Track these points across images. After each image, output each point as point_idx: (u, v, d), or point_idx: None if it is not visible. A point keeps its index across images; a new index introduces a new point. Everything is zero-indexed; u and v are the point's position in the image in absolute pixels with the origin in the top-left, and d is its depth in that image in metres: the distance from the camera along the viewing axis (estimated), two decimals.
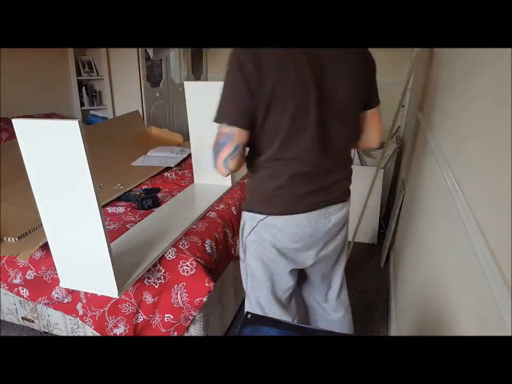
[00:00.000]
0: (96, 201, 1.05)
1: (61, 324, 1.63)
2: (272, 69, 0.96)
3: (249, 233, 1.16)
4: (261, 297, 1.22)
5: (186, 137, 2.35)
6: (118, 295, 1.19)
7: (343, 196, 1.17)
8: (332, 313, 1.38)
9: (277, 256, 1.15)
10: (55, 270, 1.27)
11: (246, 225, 1.17)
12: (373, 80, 1.13)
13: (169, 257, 1.39)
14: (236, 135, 0.98)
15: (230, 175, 1.89)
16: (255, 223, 1.13)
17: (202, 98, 1.82)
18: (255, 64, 0.95)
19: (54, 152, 1.03)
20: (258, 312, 1.23)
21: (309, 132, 1.02)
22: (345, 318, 1.39)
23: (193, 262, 1.38)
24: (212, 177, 1.98)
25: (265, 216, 1.11)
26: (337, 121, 1.06)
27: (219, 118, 0.99)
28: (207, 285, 1.36)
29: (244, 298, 1.24)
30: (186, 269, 1.37)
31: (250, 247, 1.18)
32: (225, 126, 0.99)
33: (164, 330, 1.41)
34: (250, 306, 1.26)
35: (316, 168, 1.07)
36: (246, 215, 1.17)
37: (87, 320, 1.44)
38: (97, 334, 1.47)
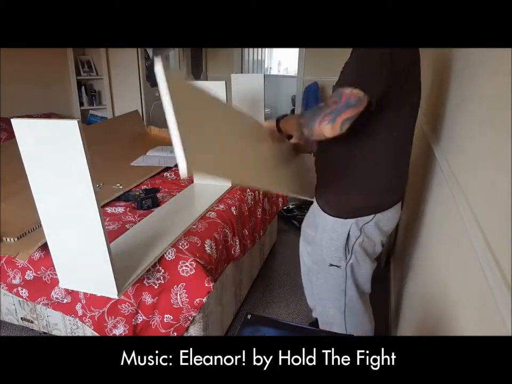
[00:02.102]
0: (95, 201, 1.05)
1: (60, 324, 1.63)
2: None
3: (358, 237, 1.22)
4: (362, 288, 1.39)
5: None
6: (118, 295, 1.18)
7: None
8: None
9: (379, 247, 1.29)
10: (54, 270, 1.26)
11: (353, 230, 1.21)
12: None
13: (168, 258, 1.39)
14: (364, 103, 0.95)
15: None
16: (362, 224, 1.20)
17: None
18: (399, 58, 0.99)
19: (53, 152, 1.03)
20: (358, 301, 1.39)
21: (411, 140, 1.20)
22: None
23: (193, 263, 1.38)
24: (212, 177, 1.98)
25: (373, 215, 1.18)
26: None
27: (359, 84, 0.95)
28: (206, 285, 1.36)
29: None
30: (186, 269, 1.37)
31: (358, 249, 1.24)
32: (359, 91, 0.94)
33: (164, 331, 1.41)
34: (349, 299, 1.37)
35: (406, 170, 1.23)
36: (348, 222, 1.20)
37: (87, 320, 1.44)
38: (97, 335, 1.47)
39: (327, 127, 0.95)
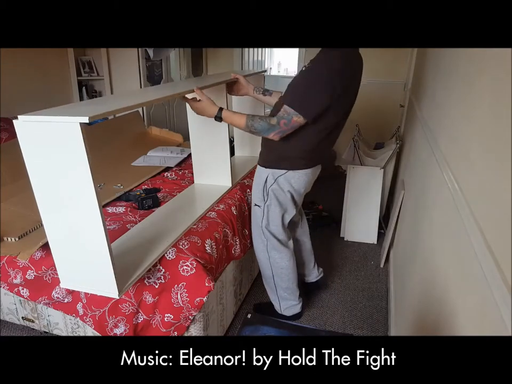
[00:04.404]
0: (96, 201, 1.05)
1: (61, 324, 1.63)
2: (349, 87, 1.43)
3: (272, 184, 1.62)
4: (273, 229, 1.72)
5: (186, 137, 2.35)
6: (119, 295, 1.18)
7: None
8: (302, 233, 2.02)
9: (289, 199, 1.65)
10: (55, 270, 1.26)
11: (269, 177, 1.62)
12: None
13: (169, 257, 1.39)
14: (302, 123, 1.40)
15: (230, 176, 1.91)
16: (277, 176, 1.60)
17: None
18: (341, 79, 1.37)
19: (54, 153, 1.03)
20: (272, 238, 1.72)
21: (341, 126, 1.58)
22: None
23: (193, 262, 1.38)
24: (212, 177, 1.98)
25: (286, 171, 1.58)
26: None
27: (302, 110, 1.36)
28: (207, 284, 1.36)
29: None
30: (186, 268, 1.37)
31: (271, 193, 1.63)
32: (301, 118, 1.38)
33: (164, 330, 1.41)
34: (266, 236, 1.73)
35: (330, 147, 1.66)
36: (268, 171, 1.62)
37: (87, 320, 1.44)
38: (97, 334, 1.47)
39: (276, 138, 1.43)
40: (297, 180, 1.60)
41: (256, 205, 1.71)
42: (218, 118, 1.46)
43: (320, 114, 1.37)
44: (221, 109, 1.46)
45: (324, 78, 1.35)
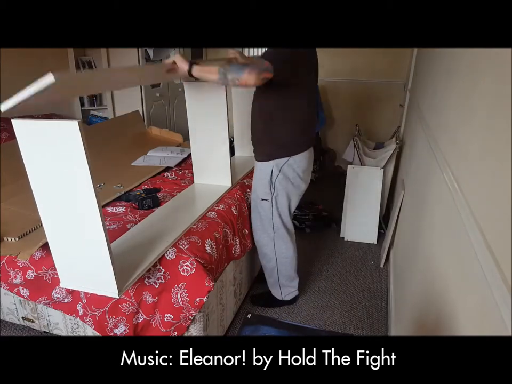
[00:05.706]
0: (96, 201, 1.05)
1: (61, 324, 1.63)
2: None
3: (278, 175, 1.71)
4: (284, 218, 1.83)
5: (186, 137, 2.35)
6: (118, 295, 1.19)
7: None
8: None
9: (294, 186, 1.76)
10: (55, 270, 1.26)
11: (274, 169, 1.70)
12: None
13: (169, 257, 1.39)
14: (272, 73, 1.37)
15: (230, 176, 1.91)
16: (281, 165, 1.69)
17: (202, 98, 1.82)
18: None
19: (54, 153, 1.03)
20: (282, 228, 1.83)
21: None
22: None
23: (193, 262, 1.38)
24: (212, 177, 1.98)
25: (287, 158, 1.68)
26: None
27: (274, 62, 1.36)
28: (207, 284, 1.36)
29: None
30: (186, 268, 1.37)
31: (278, 184, 1.73)
32: (271, 66, 1.35)
33: (164, 330, 1.41)
34: (276, 226, 1.83)
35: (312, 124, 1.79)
36: (271, 163, 1.69)
37: (87, 320, 1.44)
38: (98, 334, 1.47)
39: (253, 76, 1.31)
40: (300, 164, 1.71)
41: (263, 199, 1.78)
42: (190, 74, 1.40)
43: (281, 75, 1.44)
44: (192, 64, 1.38)
45: (286, 52, 1.42)
